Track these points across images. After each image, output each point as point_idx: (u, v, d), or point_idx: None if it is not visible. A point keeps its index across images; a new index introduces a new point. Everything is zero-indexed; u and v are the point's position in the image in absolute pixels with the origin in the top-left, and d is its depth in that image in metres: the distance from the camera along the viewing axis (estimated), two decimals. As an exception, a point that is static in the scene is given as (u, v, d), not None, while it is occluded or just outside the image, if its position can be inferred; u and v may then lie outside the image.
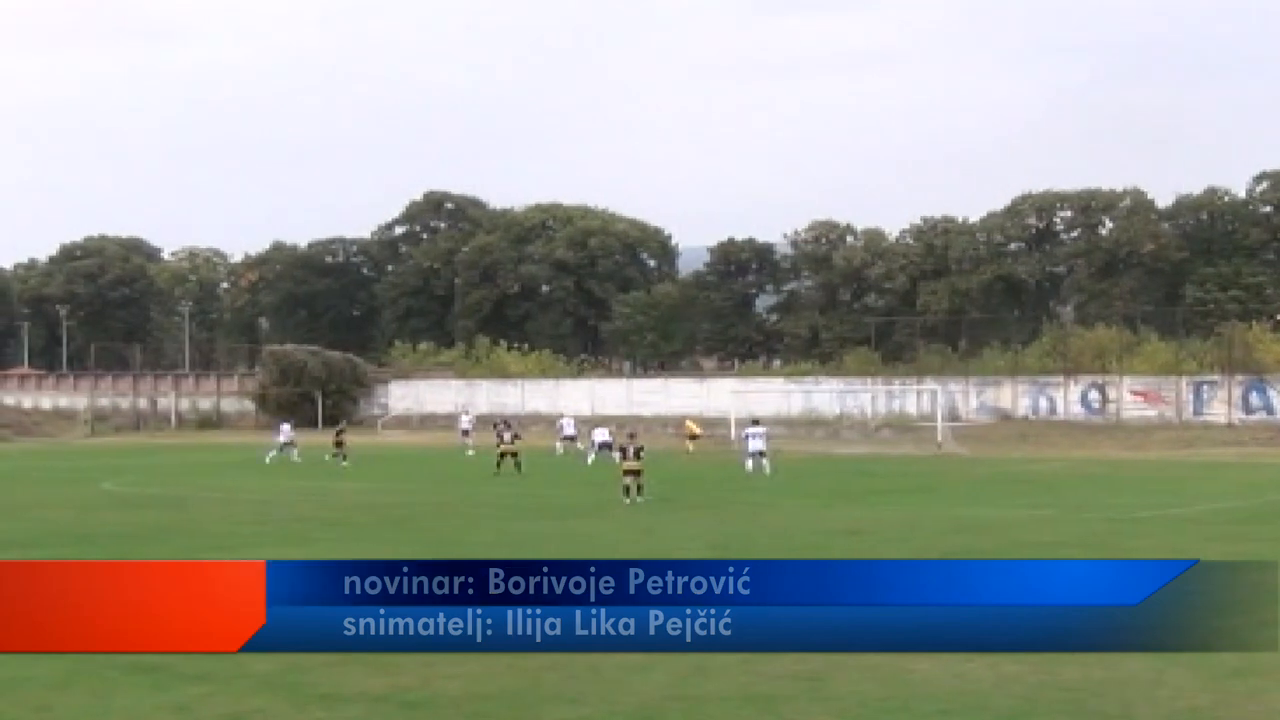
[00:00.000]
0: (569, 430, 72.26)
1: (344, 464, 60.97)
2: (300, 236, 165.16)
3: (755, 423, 59.51)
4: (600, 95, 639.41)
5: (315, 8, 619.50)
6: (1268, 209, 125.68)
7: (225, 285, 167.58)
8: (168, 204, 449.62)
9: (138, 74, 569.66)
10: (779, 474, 56.33)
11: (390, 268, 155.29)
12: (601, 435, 64.05)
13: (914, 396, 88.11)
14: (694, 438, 72.22)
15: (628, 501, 41.29)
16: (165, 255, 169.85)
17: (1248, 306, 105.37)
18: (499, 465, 55.96)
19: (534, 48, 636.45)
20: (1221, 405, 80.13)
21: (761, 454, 55.86)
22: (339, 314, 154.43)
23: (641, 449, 43.38)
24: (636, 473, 42.37)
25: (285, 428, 68.91)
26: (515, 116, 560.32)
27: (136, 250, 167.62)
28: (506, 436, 58.15)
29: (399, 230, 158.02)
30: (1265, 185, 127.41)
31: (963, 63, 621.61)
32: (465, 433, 76.50)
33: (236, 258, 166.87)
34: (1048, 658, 18.07)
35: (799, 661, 18.04)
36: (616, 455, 48.46)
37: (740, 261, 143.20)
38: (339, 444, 63.11)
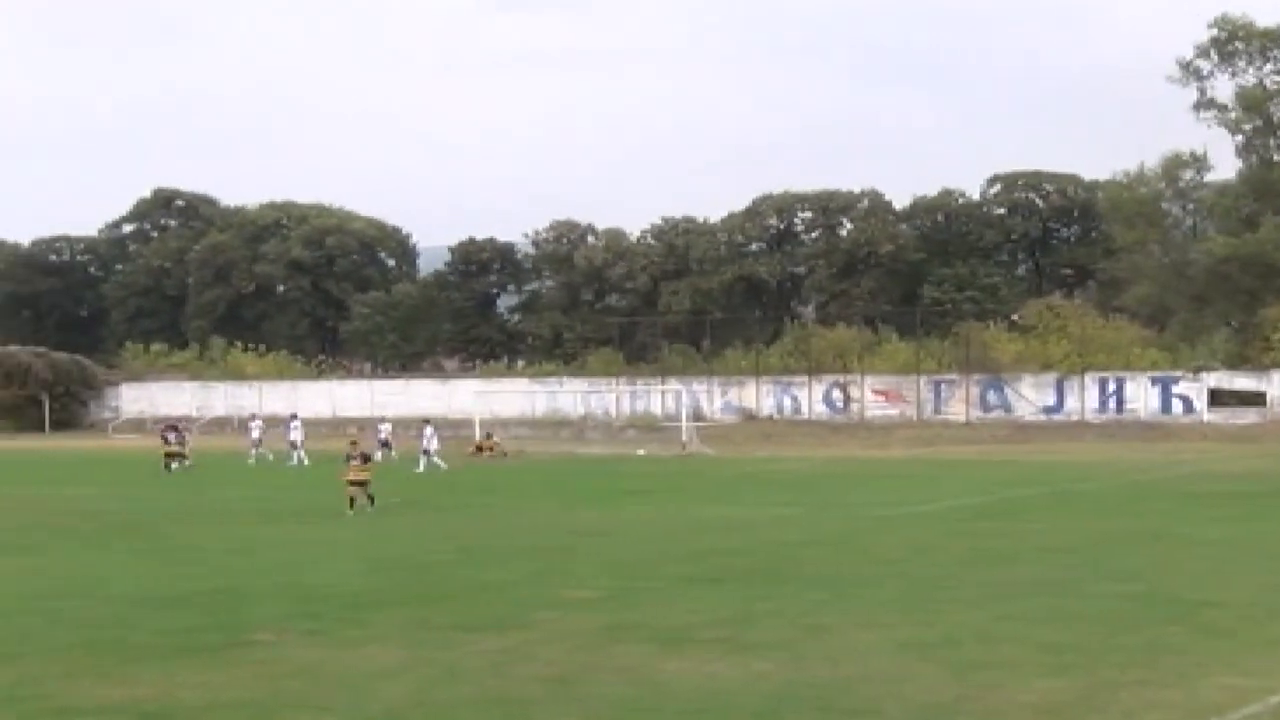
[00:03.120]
0: (256, 434, 68.48)
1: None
2: (21, 234, 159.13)
3: (426, 423, 62.31)
4: (336, 92, 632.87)
5: None
6: (1001, 211, 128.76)
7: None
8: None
9: None
10: (528, 474, 56.23)
11: (119, 267, 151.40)
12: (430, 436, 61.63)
13: (658, 397, 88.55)
14: (489, 450, 69.55)
15: (350, 513, 38.64)
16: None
17: (984, 307, 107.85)
18: (167, 467, 59.03)
19: (266, 42, 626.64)
20: (960, 404, 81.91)
21: (427, 452, 59.06)
22: (65, 314, 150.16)
23: (368, 456, 41.34)
24: (363, 483, 39.69)
25: (295, 424, 67.60)
26: (247, 112, 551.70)
27: None
28: (172, 438, 61.74)
29: (127, 228, 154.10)
30: (998, 188, 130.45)
31: (704, 64, 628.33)
32: (296, 443, 66.64)
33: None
34: (796, 655, 18.15)
35: (550, 664, 17.87)
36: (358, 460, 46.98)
37: (481, 261, 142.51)
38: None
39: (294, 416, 70.32)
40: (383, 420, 72.05)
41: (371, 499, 39.44)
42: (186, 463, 61.48)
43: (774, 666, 17.54)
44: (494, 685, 16.76)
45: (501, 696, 16.21)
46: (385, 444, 65.40)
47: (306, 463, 62.68)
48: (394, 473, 53.77)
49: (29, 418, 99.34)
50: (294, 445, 64.98)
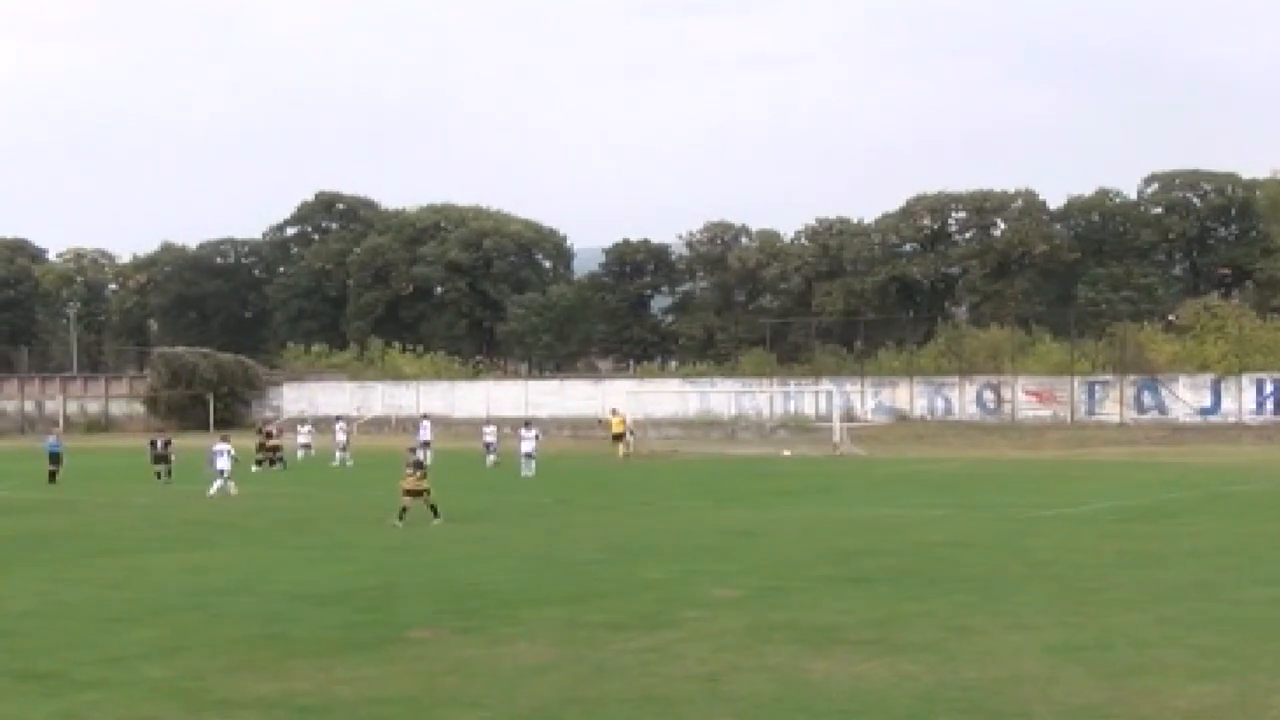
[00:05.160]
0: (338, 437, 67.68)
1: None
2: (189, 237, 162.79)
3: (527, 425, 61.02)
4: (492, 96, 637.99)
5: (200, 7, 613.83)
6: (1158, 210, 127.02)
7: (113, 287, 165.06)
8: (53, 204, 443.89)
9: (19, 72, 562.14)
10: (679, 474, 56.42)
11: (282, 269, 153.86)
12: (489, 435, 63.85)
13: (810, 397, 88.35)
14: (621, 437, 68.97)
15: (399, 524, 35.86)
16: (51, 256, 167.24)
17: (1139, 307, 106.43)
18: (271, 464, 61.72)
19: (425, 47, 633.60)
20: (1114, 405, 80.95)
21: (529, 455, 57.13)
22: (230, 316, 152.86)
23: (423, 464, 38.34)
24: (420, 492, 36.96)
25: (425, 424, 68.59)
26: (407, 117, 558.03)
27: (21, 251, 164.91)
28: (274, 431, 65.10)
29: (290, 231, 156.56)
30: (1155, 187, 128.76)
31: (857, 65, 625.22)
32: (427, 443, 65.04)
33: (124, 259, 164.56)
34: (945, 657, 18.15)
35: (699, 663, 18.01)
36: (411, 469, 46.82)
37: (635, 262, 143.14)
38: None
39: (425, 417, 72.08)
40: (487, 424, 70.53)
41: (435, 509, 36.69)
42: (277, 465, 62.51)
43: (923, 668, 17.53)
44: (643, 683, 16.92)
45: (650, 694, 16.36)
46: (489, 447, 64.18)
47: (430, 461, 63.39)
48: (500, 478, 54.04)
49: (194, 417, 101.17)
50: (424, 445, 65.35)
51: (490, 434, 65.45)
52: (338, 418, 72.19)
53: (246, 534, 35.69)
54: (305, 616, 22.12)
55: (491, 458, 62.92)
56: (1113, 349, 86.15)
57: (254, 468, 60.63)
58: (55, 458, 56.14)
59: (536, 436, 59.26)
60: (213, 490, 47.48)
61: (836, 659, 18.17)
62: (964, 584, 24.65)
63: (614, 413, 71.87)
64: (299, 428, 72.08)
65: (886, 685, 16.65)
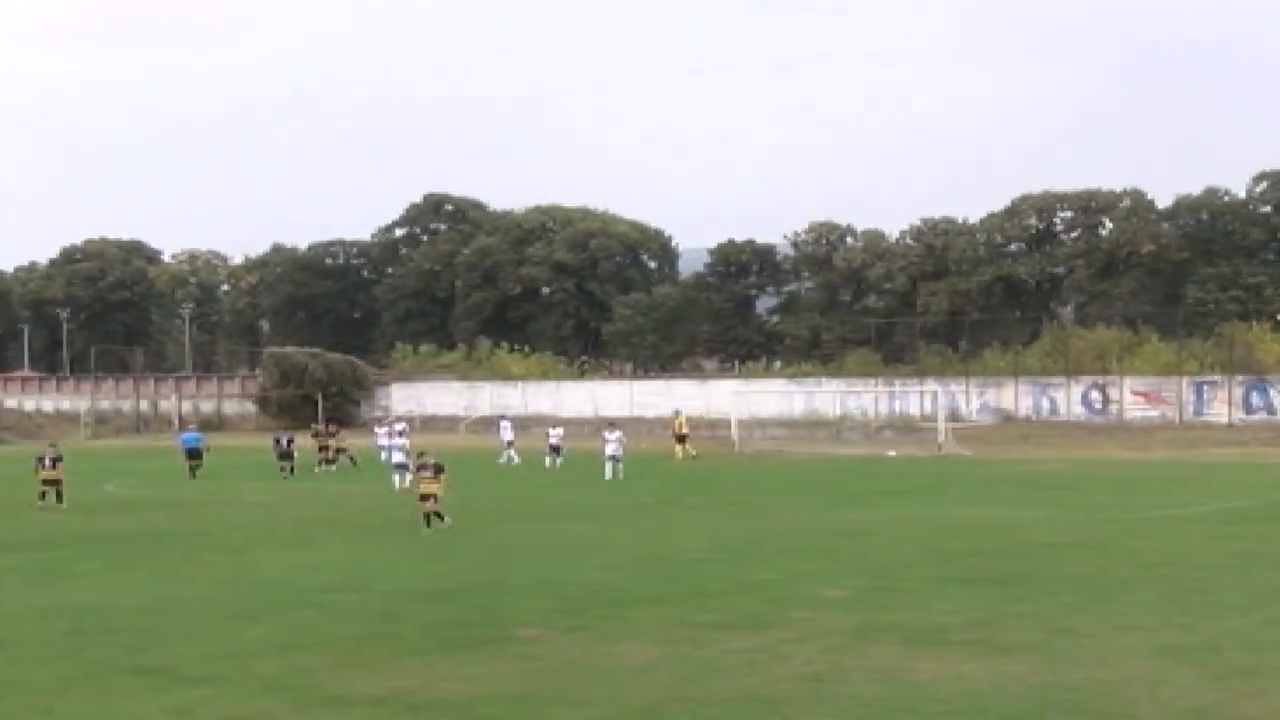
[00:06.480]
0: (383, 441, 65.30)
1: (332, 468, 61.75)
2: (300, 239, 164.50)
3: (611, 426, 58.82)
4: (599, 96, 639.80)
5: (313, 10, 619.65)
6: (1267, 209, 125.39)
7: (225, 287, 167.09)
8: (168, 206, 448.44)
9: (139, 76, 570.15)
10: (785, 474, 56.36)
11: (390, 270, 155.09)
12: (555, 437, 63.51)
13: (916, 397, 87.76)
14: (684, 438, 68.63)
15: (427, 530, 34.93)
16: (165, 258, 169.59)
17: (1248, 306, 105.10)
18: (329, 464, 61.77)
19: (533, 49, 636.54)
20: (1223, 405, 79.81)
21: (614, 458, 55.25)
22: (339, 316, 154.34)
23: (441, 467, 36.35)
24: (432, 496, 35.57)
25: (505, 424, 69.24)
26: (515, 118, 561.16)
27: (136, 253, 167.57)
28: (336, 431, 65.72)
29: (399, 232, 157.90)
30: (1265, 185, 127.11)
31: (962, 64, 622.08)
32: (510, 443, 66.76)
33: (236, 260, 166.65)
34: (1051, 658, 18.12)
35: (805, 663, 18.08)
36: (408, 475, 45.67)
37: (740, 263, 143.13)
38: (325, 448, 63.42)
39: (503, 417, 73.49)
40: (554, 425, 68.90)
41: (441, 515, 35.52)
42: (339, 461, 62.54)
43: (1027, 669, 17.51)
44: (749, 683, 17.00)
45: (756, 694, 16.44)
46: (555, 449, 62.64)
47: (516, 461, 63.69)
48: (577, 480, 53.97)
49: (304, 416, 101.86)
50: (508, 445, 65.72)
51: (556, 436, 63.92)
52: (396, 419, 73.70)
53: (356, 532, 36.10)
54: (414, 614, 22.36)
55: (558, 460, 61.87)
56: (1221, 349, 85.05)
57: (316, 469, 61.23)
58: (195, 453, 57.26)
59: (620, 439, 56.90)
60: (396, 486, 48.84)
61: (942, 660, 18.18)
62: (1070, 585, 24.54)
63: (677, 414, 71.83)
64: (376, 429, 72.37)
65: (992, 686, 16.66)
